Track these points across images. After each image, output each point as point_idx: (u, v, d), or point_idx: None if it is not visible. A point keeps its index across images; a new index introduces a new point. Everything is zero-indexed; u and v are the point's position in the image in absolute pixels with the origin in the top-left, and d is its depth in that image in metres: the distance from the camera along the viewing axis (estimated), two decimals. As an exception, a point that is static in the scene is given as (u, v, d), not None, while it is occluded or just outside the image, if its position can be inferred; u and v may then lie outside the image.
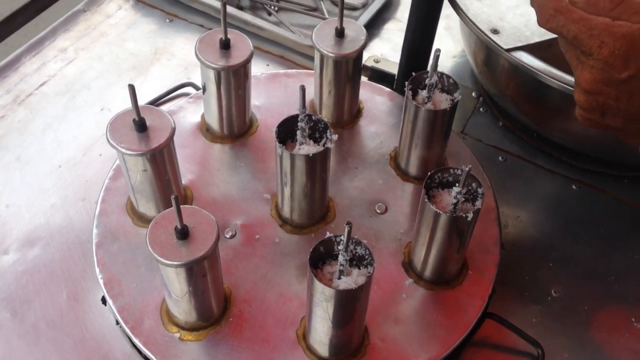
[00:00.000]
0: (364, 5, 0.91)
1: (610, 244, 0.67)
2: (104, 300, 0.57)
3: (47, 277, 0.60)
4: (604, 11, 0.49)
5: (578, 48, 0.49)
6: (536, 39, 0.65)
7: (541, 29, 0.66)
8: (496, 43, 0.65)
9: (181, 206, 0.46)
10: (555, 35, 0.64)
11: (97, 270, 0.56)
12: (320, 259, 0.49)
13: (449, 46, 0.87)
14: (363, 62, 0.70)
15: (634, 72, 0.47)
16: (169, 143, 0.54)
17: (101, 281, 0.56)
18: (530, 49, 0.65)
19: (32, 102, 0.75)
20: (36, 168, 0.68)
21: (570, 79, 0.61)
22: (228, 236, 0.60)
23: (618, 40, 0.47)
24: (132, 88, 0.50)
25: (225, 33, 0.60)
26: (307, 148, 0.55)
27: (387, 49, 0.86)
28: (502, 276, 0.60)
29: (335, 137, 0.54)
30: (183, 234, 0.47)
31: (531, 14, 0.67)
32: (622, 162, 0.72)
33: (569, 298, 0.63)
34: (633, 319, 0.62)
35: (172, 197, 0.44)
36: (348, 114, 0.69)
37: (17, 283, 0.59)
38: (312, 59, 0.83)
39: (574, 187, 0.72)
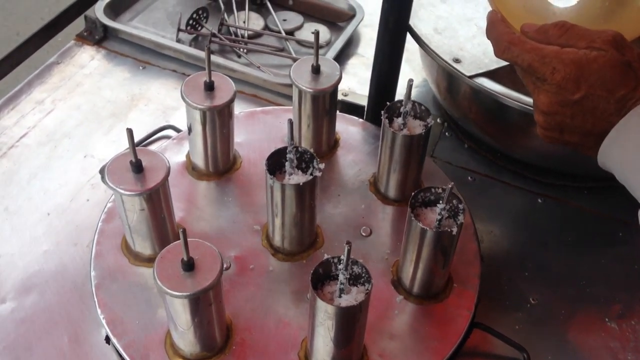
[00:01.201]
0: (328, 44, 0.96)
1: (578, 251, 0.72)
2: (107, 340, 0.58)
3: (47, 323, 0.61)
4: (553, 38, 0.55)
5: (533, 75, 0.54)
6: (494, 65, 0.71)
7: (498, 56, 0.72)
8: (459, 71, 0.70)
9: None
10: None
11: (99, 310, 0.58)
12: (319, 281, 0.52)
13: (410, 77, 0.92)
14: (335, 95, 0.74)
15: (585, 93, 0.52)
16: (165, 182, 0.56)
17: (104, 321, 0.57)
18: (490, 74, 0.70)
19: (14, 154, 0.76)
20: (25, 217, 0.69)
21: (528, 99, 0.66)
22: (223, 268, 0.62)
23: (568, 66, 0.52)
24: (130, 132, 0.53)
25: (209, 76, 0.63)
26: (297, 178, 0.58)
27: (353, 83, 0.91)
28: (484, 288, 0.64)
29: (322, 166, 0.58)
30: (189, 265, 0.49)
31: (488, 43, 0.73)
32: (581, 174, 0.77)
33: (547, 304, 0.67)
34: (607, 319, 0.66)
35: (180, 230, 0.47)
36: (326, 145, 0.73)
37: (17, 331, 0.60)
38: (283, 95, 0.87)
39: (539, 200, 0.77)
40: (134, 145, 0.54)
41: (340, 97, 0.84)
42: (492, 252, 0.71)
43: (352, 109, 0.83)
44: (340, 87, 0.87)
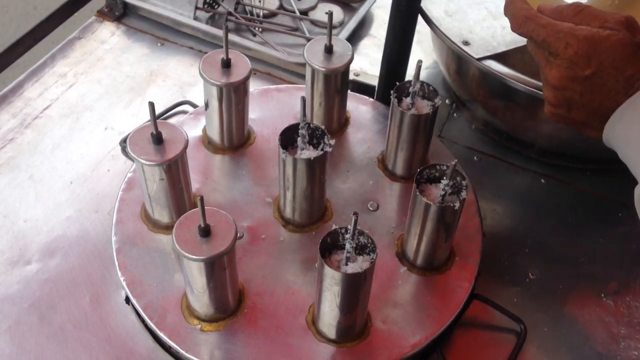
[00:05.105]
0: (341, 24, 0.98)
1: (578, 230, 0.74)
2: (127, 300, 0.62)
3: (70, 283, 0.64)
4: (568, 17, 0.57)
5: (546, 49, 0.56)
6: (503, 48, 0.73)
7: (506, 39, 0.74)
8: (468, 53, 0.72)
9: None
10: (518, 45, 0.72)
11: (119, 273, 0.61)
12: (327, 250, 0.55)
13: (421, 58, 0.93)
14: (347, 74, 0.76)
15: (595, 70, 0.54)
16: (183, 154, 0.59)
17: (124, 283, 0.61)
18: (498, 57, 0.72)
19: (38, 125, 0.79)
20: (49, 185, 0.73)
21: (534, 82, 0.68)
22: (237, 237, 0.65)
23: (580, 42, 0.54)
24: (152, 105, 0.56)
25: (227, 54, 0.66)
26: (308, 153, 0.61)
27: (365, 63, 0.93)
28: (484, 262, 0.67)
29: (332, 142, 0.61)
30: (206, 232, 0.52)
31: (497, 26, 0.76)
32: (584, 156, 0.80)
33: (545, 279, 0.70)
34: (602, 295, 0.69)
35: (198, 197, 0.50)
36: (337, 123, 0.76)
37: (41, 290, 0.64)
38: (296, 74, 0.90)
39: (542, 180, 0.79)
40: (155, 118, 0.57)
41: (352, 76, 0.86)
42: (495, 229, 0.74)
43: (363, 88, 0.85)
44: (352, 67, 0.89)
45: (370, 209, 0.69)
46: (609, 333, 0.66)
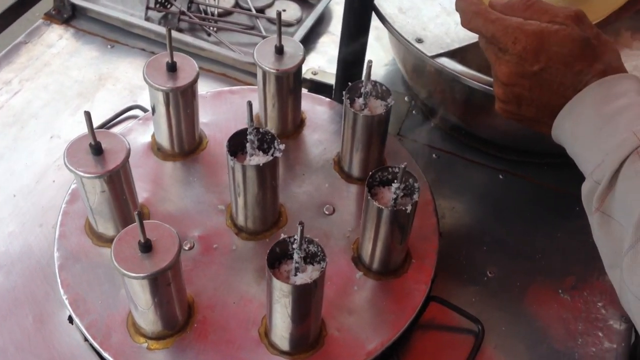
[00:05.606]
0: (299, 22, 0.96)
1: (535, 226, 0.74)
2: (70, 320, 0.59)
3: (12, 303, 0.62)
4: (518, 12, 0.56)
5: (495, 45, 0.56)
6: (456, 45, 0.71)
7: (460, 35, 0.73)
8: (421, 51, 0.71)
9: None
10: (471, 42, 0.71)
11: (62, 291, 0.59)
12: (276, 260, 0.53)
13: (380, 55, 0.92)
14: (302, 74, 0.74)
15: (544, 65, 0.53)
16: (125, 164, 0.57)
17: (66, 301, 0.58)
18: (452, 54, 0.71)
19: (-20, 135, 0.76)
20: (-9, 198, 0.70)
21: (488, 79, 0.67)
22: (187, 248, 0.63)
23: (529, 37, 0.53)
24: (87, 114, 0.53)
25: (172, 56, 0.63)
26: (257, 159, 0.59)
27: (323, 61, 0.91)
28: (443, 262, 0.66)
29: (282, 146, 0.59)
30: (146, 247, 0.50)
31: (450, 23, 0.74)
32: (541, 151, 0.79)
33: (503, 277, 0.69)
34: (560, 291, 0.68)
35: (135, 212, 0.48)
36: (292, 125, 0.74)
37: (-18, 311, 0.61)
38: (252, 75, 0.87)
39: (500, 176, 0.79)
40: (92, 127, 0.54)
41: (310, 75, 0.84)
42: (453, 227, 0.73)
43: (322, 87, 0.83)
44: (311, 65, 0.88)
45: (326, 212, 0.68)
46: (566, 330, 0.65)
